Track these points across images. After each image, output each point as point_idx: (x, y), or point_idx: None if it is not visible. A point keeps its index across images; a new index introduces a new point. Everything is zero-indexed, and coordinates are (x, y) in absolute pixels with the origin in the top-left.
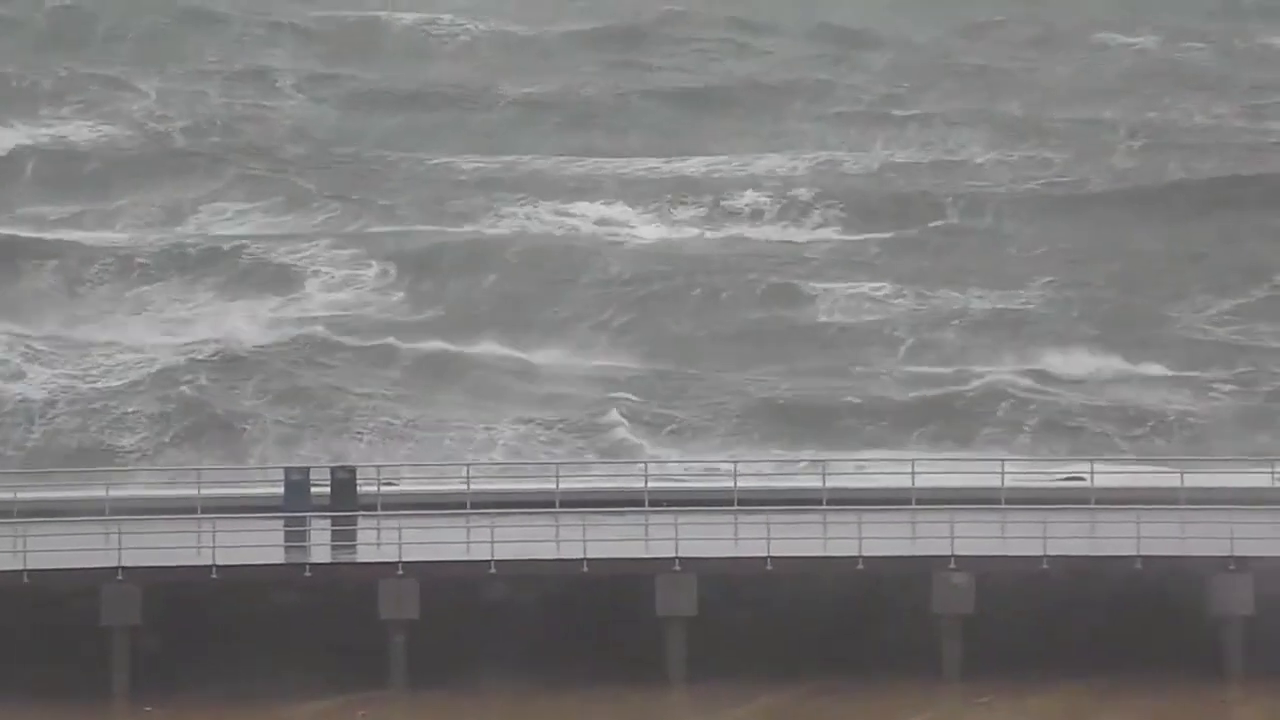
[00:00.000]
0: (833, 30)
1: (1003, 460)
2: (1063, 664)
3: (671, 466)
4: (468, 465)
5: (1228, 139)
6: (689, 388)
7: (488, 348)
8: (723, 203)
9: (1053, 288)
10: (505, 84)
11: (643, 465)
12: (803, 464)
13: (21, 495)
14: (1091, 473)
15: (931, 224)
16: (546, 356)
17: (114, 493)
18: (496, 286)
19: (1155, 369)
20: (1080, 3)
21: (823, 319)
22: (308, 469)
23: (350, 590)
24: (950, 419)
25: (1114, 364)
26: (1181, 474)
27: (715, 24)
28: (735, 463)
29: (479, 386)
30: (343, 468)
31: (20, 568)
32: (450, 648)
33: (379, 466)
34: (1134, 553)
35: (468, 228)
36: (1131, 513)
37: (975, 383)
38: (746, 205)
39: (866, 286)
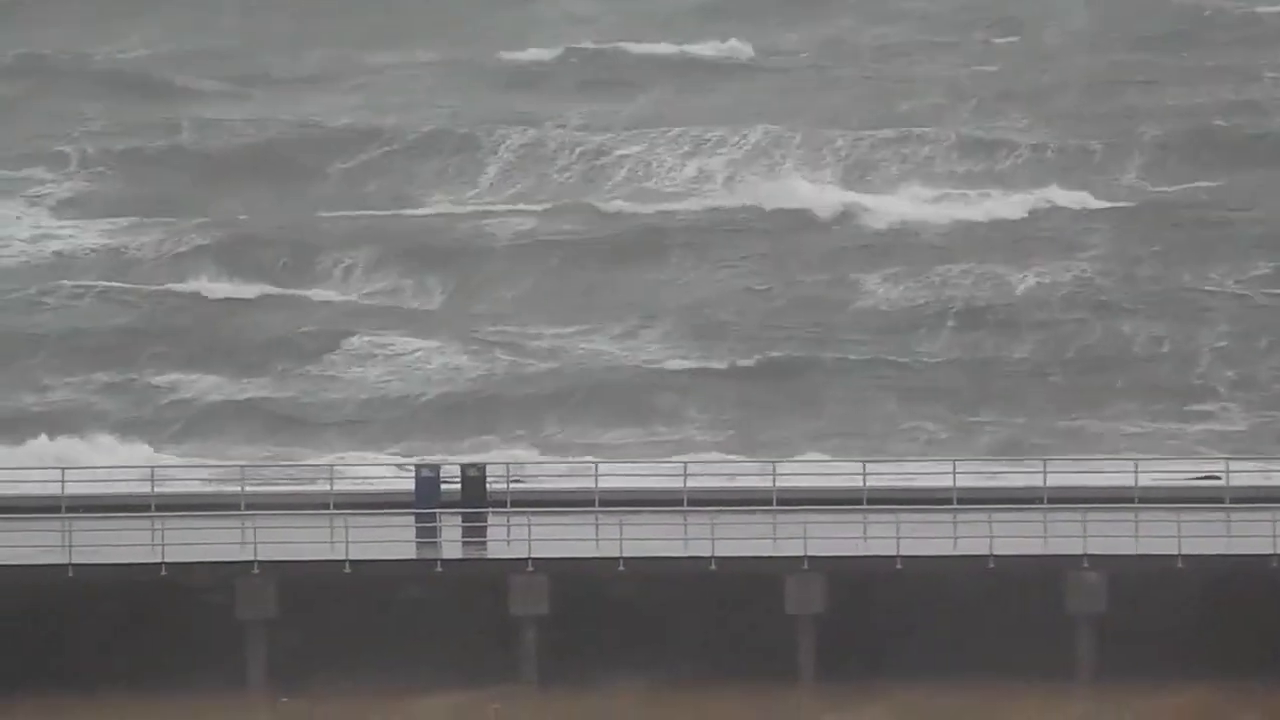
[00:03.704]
0: None
1: (1136, 459)
2: (1196, 664)
3: (799, 465)
4: (596, 462)
5: None
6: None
7: None
8: None
9: None
10: None
11: (770, 464)
12: (932, 463)
13: (159, 489)
14: (1227, 471)
15: None
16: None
17: (249, 488)
18: None
19: None
20: None
21: None
22: (439, 465)
23: (481, 586)
24: None
25: None
26: None
27: None
28: (864, 461)
29: None
30: (473, 465)
31: (158, 560)
32: (580, 644)
33: (508, 464)
34: (1271, 551)
35: None
36: (1268, 511)
37: None
38: None
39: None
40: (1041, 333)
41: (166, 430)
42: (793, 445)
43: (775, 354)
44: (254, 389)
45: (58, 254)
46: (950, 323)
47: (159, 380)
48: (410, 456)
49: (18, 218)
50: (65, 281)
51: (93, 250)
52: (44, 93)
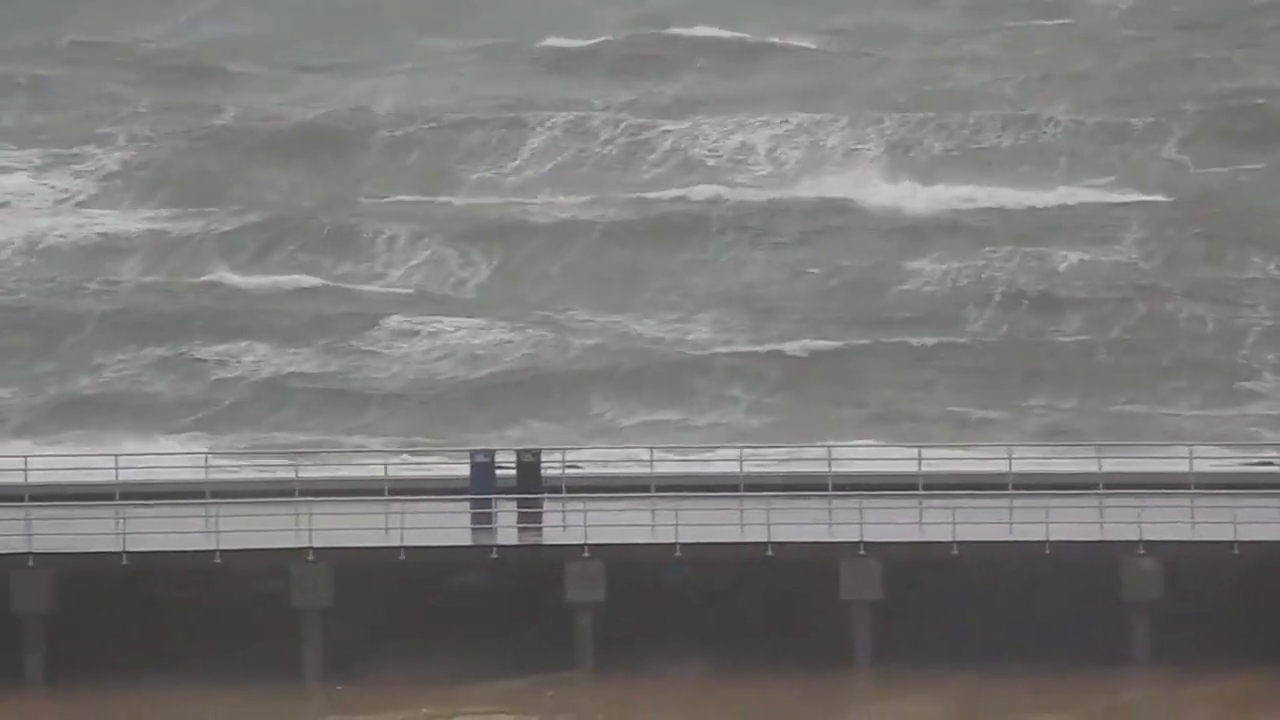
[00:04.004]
0: None
1: (1190, 445)
2: (1252, 650)
3: (856, 450)
4: (651, 448)
5: None
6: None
7: None
8: None
9: None
10: None
11: (826, 449)
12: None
13: (214, 476)
14: None
15: None
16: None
17: (303, 474)
18: None
19: None
20: None
21: None
22: (493, 451)
23: (536, 572)
24: None
25: None
26: None
27: None
28: (920, 447)
29: None
30: (528, 450)
31: (213, 548)
32: (635, 630)
33: (564, 449)
34: None
35: None
36: None
37: None
38: None
39: None
40: (1087, 315)
41: (217, 411)
42: (841, 429)
43: (822, 338)
44: (300, 366)
45: (103, 235)
46: (996, 306)
47: (205, 353)
48: (460, 441)
49: (63, 201)
50: (111, 264)
51: (138, 235)
52: (92, 76)
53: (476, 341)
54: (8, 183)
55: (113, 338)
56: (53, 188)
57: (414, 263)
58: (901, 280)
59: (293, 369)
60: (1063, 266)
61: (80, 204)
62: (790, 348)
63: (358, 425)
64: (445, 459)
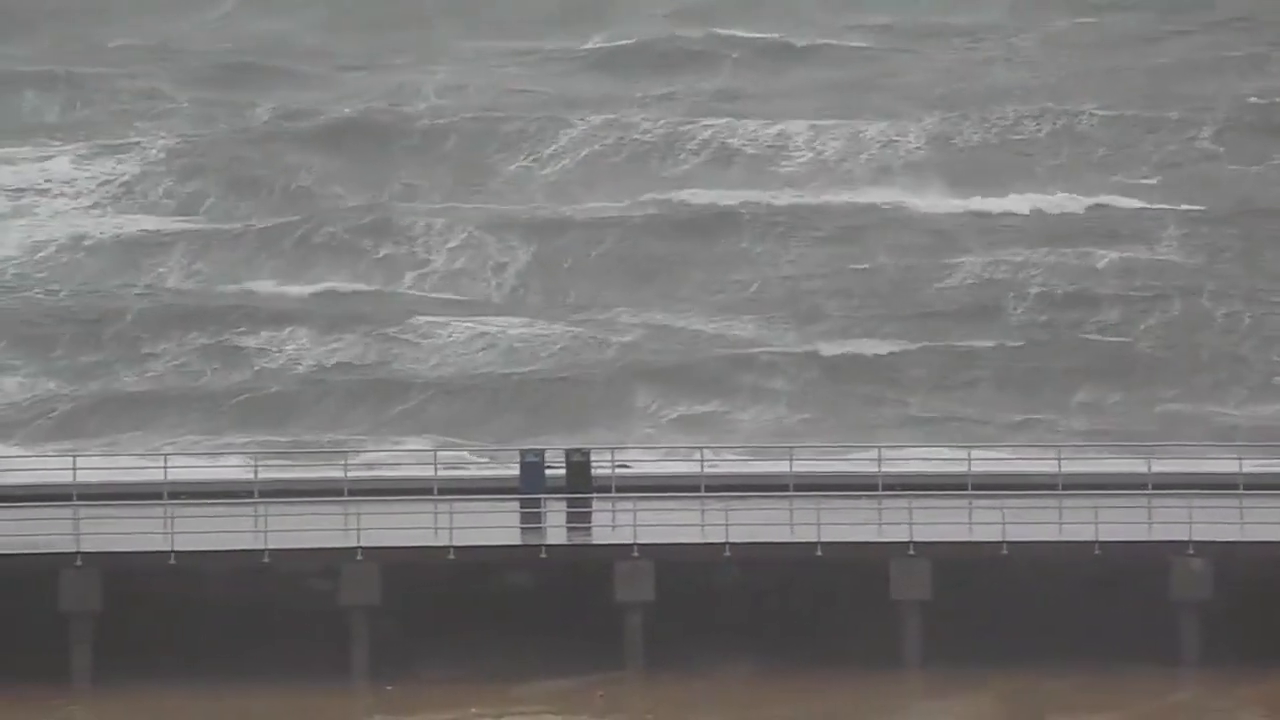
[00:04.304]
0: None
1: (1239, 446)
2: None
3: (905, 451)
4: (702, 448)
5: None
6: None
7: None
8: None
9: None
10: None
11: (876, 449)
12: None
13: (262, 475)
14: None
15: None
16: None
17: (352, 473)
18: None
19: None
20: None
21: None
22: (543, 451)
23: (585, 572)
24: None
25: None
26: None
27: None
28: (969, 447)
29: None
30: (578, 450)
31: (261, 547)
32: (685, 630)
33: (613, 448)
34: None
35: None
36: None
37: None
38: None
39: None
40: (1125, 312)
41: (259, 407)
42: (884, 428)
43: (863, 335)
44: (340, 357)
45: (144, 231)
46: (1034, 304)
47: (247, 342)
48: (503, 439)
49: (104, 194)
50: (149, 261)
51: (178, 230)
52: (132, 72)
53: (514, 334)
54: (52, 168)
55: (155, 331)
56: (94, 179)
57: (453, 262)
58: (942, 278)
59: (335, 360)
60: (1101, 264)
61: (120, 198)
62: (830, 345)
63: (400, 421)
64: (493, 459)
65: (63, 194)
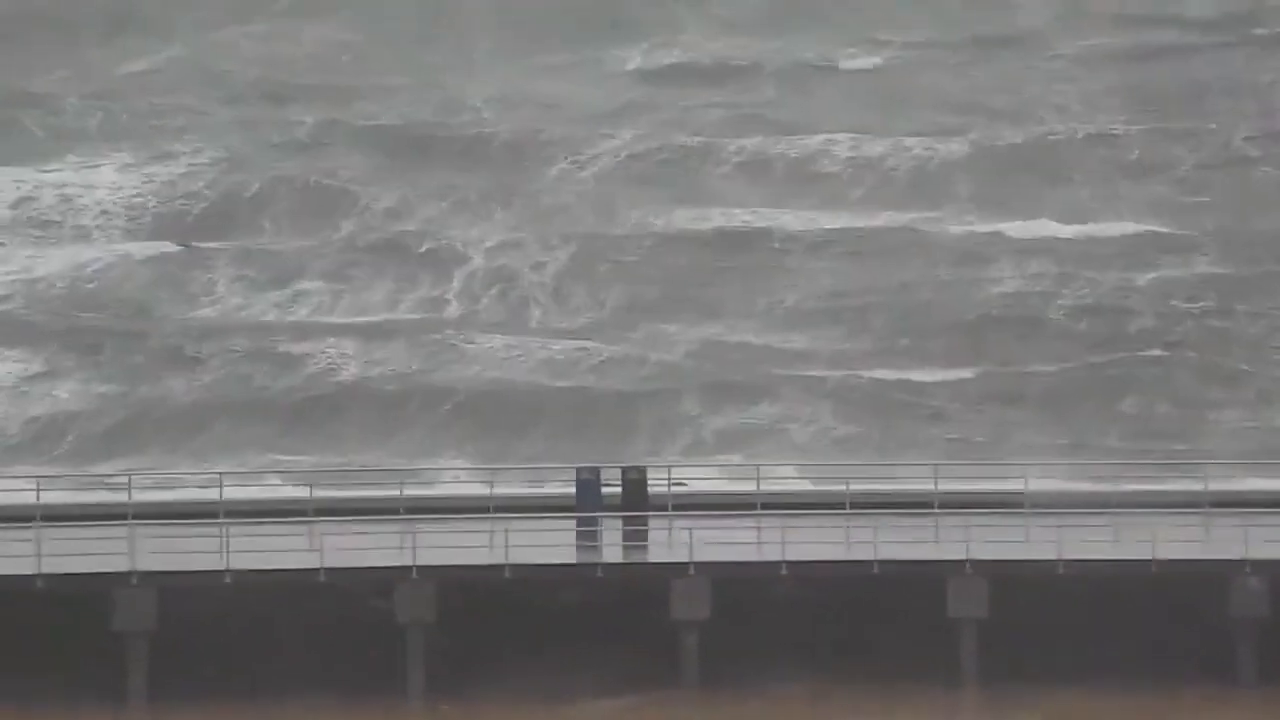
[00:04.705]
0: None
1: None
2: None
3: (960, 469)
4: (758, 465)
5: None
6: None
7: None
8: None
9: None
10: None
11: (932, 467)
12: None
13: (317, 494)
14: None
15: None
16: None
17: (408, 492)
18: None
19: None
20: None
21: None
22: (599, 469)
23: (642, 590)
24: None
25: None
26: None
27: None
28: (1026, 465)
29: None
30: (634, 468)
31: (317, 566)
32: (741, 648)
33: (669, 466)
34: None
35: None
36: None
37: None
38: None
39: None
40: (1172, 330)
41: (306, 417)
42: (930, 448)
43: (901, 355)
44: (386, 369)
45: (184, 246)
46: (1074, 323)
47: (297, 349)
48: (556, 456)
49: (144, 207)
50: (201, 274)
51: (222, 248)
52: (174, 86)
53: (558, 348)
54: (95, 178)
55: (199, 344)
56: (135, 193)
57: (491, 277)
58: (983, 296)
59: (378, 371)
60: (1141, 281)
61: (158, 213)
62: (877, 363)
63: (442, 435)
64: (549, 477)
65: (105, 209)
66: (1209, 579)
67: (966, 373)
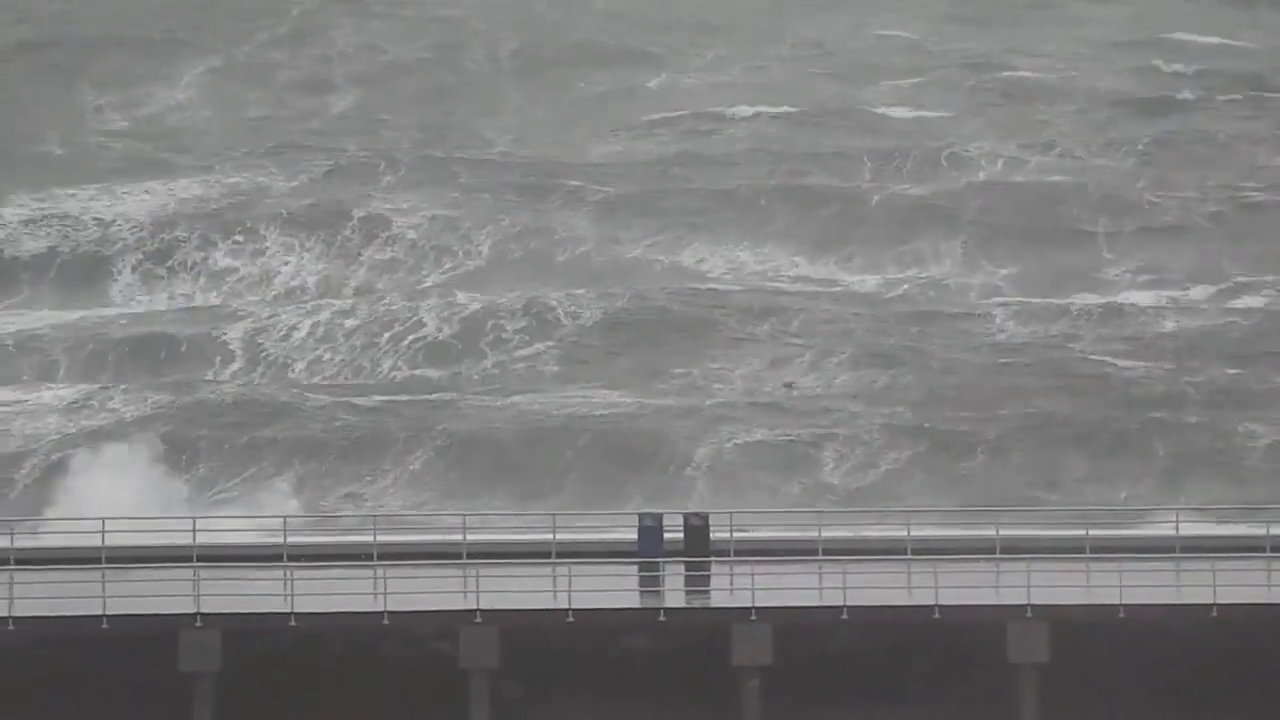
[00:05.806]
0: None
1: None
2: None
3: (1021, 515)
4: (819, 512)
5: None
6: None
7: None
8: None
9: None
10: None
11: (993, 513)
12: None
13: (381, 538)
14: None
15: None
16: None
17: (470, 536)
18: None
19: None
20: None
21: None
22: (661, 515)
23: (704, 635)
24: None
25: None
26: None
27: None
28: (1086, 509)
29: None
30: (696, 514)
31: (380, 609)
32: (801, 694)
33: (731, 513)
34: None
35: None
36: None
37: None
38: None
39: None
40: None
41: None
42: (988, 490)
43: (936, 407)
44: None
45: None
46: (1105, 374)
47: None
48: (612, 502)
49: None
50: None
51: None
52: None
53: (596, 397)
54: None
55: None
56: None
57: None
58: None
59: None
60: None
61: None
62: (911, 415)
63: (484, 480)
64: (607, 522)
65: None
66: (1270, 624)
67: (1008, 422)
